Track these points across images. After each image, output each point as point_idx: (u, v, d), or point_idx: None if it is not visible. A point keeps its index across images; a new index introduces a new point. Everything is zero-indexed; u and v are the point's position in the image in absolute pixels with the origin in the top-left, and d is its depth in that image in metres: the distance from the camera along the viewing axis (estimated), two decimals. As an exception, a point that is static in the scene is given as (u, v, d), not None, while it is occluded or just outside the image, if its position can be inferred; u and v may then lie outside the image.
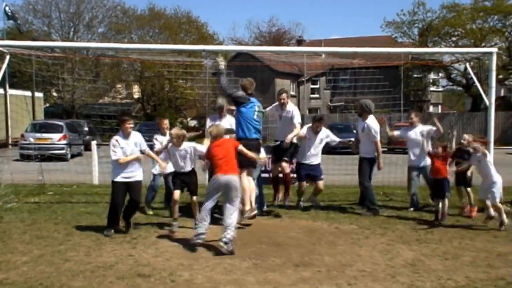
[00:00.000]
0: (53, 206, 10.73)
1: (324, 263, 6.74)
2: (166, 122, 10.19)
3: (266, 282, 5.95)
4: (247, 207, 8.49)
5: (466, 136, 9.98)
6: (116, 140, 8.15)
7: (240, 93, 9.02)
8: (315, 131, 10.13)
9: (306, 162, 10.18)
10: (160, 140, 9.58)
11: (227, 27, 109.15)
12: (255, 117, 8.81)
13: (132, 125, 8.44)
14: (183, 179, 8.55)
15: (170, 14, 51.03)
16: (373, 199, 10.09)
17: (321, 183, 10.30)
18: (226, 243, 7.03)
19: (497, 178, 8.72)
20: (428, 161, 9.93)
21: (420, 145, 10.10)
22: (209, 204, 7.42)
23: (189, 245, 7.39)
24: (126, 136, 8.28)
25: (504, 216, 8.54)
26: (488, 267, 6.59)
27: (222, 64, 9.00)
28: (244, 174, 8.49)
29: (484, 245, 7.70)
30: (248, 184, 8.63)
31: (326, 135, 10.36)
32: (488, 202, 8.74)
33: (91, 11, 46.12)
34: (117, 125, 8.57)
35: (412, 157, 10.31)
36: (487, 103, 10.63)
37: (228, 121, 9.44)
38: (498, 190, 8.61)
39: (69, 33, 45.25)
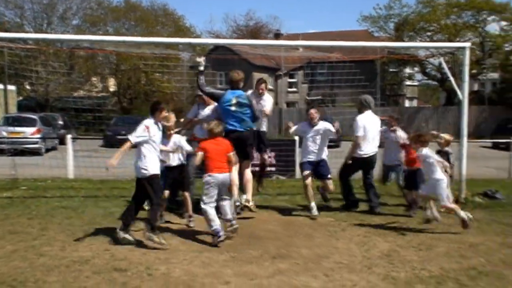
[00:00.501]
0: (26, 201, 10.58)
1: (301, 255, 6.78)
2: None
3: (243, 274, 5.96)
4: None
5: (446, 135, 9.81)
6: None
7: (213, 90, 9.10)
8: (311, 123, 9.56)
9: (309, 158, 9.47)
10: None
11: (204, 20, 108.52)
12: (232, 108, 8.70)
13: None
14: (174, 177, 8.38)
15: (146, 6, 50.71)
16: (350, 195, 9.94)
17: (330, 183, 9.54)
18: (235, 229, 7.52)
19: (441, 177, 8.10)
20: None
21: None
22: (213, 207, 7.37)
23: (167, 239, 7.37)
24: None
25: (462, 213, 8.04)
26: (460, 257, 6.70)
27: (202, 65, 8.94)
28: (236, 167, 8.55)
29: (457, 236, 7.83)
30: (237, 177, 8.72)
31: (323, 127, 9.52)
32: (432, 203, 8.37)
33: (65, 3, 45.40)
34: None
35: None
36: (461, 97, 10.74)
37: (210, 109, 9.36)
38: (444, 191, 8.03)
39: (43, 25, 44.54)
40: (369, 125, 9.48)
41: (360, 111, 9.70)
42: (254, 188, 9.34)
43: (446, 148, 9.59)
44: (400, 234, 7.94)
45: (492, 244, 7.41)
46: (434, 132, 9.81)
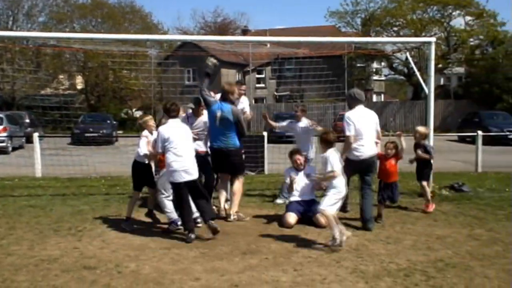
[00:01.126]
0: (-7, 200, 10.44)
1: (270, 250, 6.83)
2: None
3: (213, 271, 5.99)
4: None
5: (419, 128, 9.68)
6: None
7: (210, 98, 8.64)
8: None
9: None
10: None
11: (172, 17, 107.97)
12: (216, 123, 8.41)
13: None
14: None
15: (113, 3, 50.15)
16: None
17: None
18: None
19: (335, 185, 7.02)
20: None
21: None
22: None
23: (135, 235, 7.37)
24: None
25: (337, 233, 6.85)
26: (428, 249, 6.82)
27: (212, 68, 8.84)
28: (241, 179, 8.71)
29: (424, 229, 7.96)
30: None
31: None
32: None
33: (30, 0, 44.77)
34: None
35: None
36: (427, 91, 10.92)
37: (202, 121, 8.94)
38: (330, 200, 6.92)
39: (8, 22, 43.81)
40: (362, 122, 8.13)
41: (351, 107, 8.51)
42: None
43: (423, 141, 9.56)
44: (368, 227, 8.04)
45: (459, 236, 7.53)
46: (399, 133, 8.68)
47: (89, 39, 12.03)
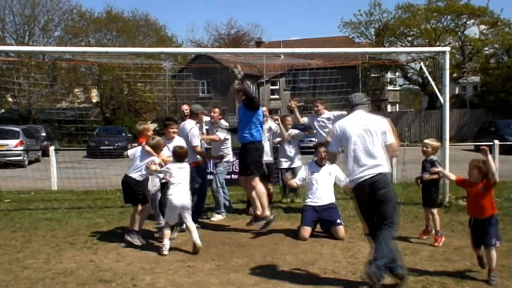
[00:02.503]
0: (10, 213, 10.50)
1: (286, 262, 6.79)
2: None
3: (229, 283, 5.96)
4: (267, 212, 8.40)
5: (430, 141, 8.01)
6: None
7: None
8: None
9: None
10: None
11: (185, 29, 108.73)
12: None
13: (176, 130, 8.47)
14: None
15: (128, 16, 50.58)
16: None
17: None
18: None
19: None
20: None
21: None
22: None
23: (150, 248, 7.37)
24: (169, 140, 8.30)
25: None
26: (445, 261, 6.74)
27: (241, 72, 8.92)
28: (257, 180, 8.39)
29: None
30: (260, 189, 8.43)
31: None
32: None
33: (46, 14, 45.15)
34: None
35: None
36: (442, 101, 10.85)
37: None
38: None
39: (24, 37, 44.25)
40: (352, 132, 5.87)
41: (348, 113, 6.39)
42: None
43: (432, 156, 7.84)
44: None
45: (476, 246, 7.43)
46: (484, 148, 6.17)
47: (104, 52, 12.12)
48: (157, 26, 51.99)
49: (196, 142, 8.82)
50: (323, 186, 8.37)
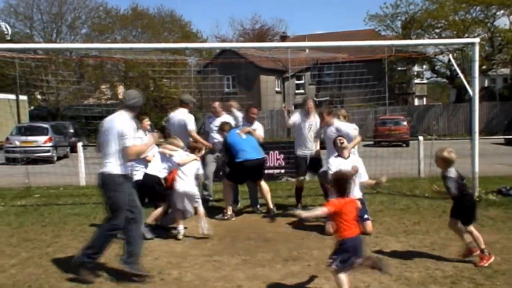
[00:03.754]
0: (40, 208, 10.66)
1: (312, 257, 6.76)
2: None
3: (255, 278, 5.96)
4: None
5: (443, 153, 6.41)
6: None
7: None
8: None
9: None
10: None
11: (210, 25, 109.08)
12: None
13: (148, 122, 9.01)
14: None
15: (153, 13, 50.96)
16: None
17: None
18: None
19: None
20: None
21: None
22: None
23: (176, 243, 7.41)
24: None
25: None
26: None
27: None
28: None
29: (471, 234, 7.74)
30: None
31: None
32: None
33: (73, 12, 45.79)
34: None
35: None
36: (471, 94, 10.68)
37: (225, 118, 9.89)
38: None
39: (52, 35, 44.88)
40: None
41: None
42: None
43: (448, 171, 6.37)
44: (412, 234, 7.87)
45: (508, 242, 7.32)
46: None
47: (129, 49, 12.23)
48: (182, 23, 52.30)
49: (193, 126, 9.44)
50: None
